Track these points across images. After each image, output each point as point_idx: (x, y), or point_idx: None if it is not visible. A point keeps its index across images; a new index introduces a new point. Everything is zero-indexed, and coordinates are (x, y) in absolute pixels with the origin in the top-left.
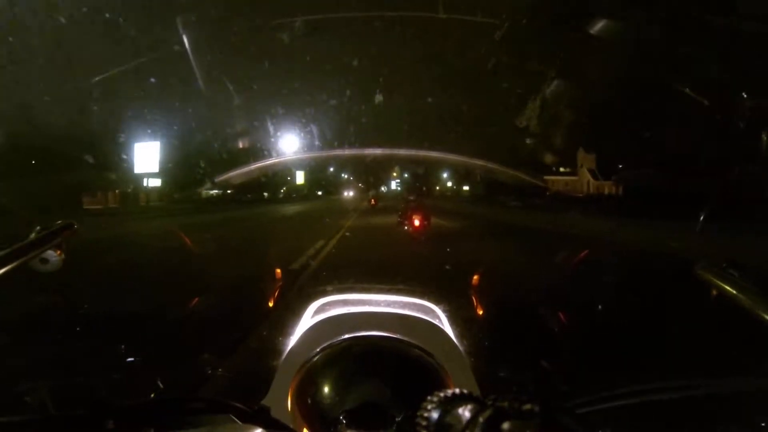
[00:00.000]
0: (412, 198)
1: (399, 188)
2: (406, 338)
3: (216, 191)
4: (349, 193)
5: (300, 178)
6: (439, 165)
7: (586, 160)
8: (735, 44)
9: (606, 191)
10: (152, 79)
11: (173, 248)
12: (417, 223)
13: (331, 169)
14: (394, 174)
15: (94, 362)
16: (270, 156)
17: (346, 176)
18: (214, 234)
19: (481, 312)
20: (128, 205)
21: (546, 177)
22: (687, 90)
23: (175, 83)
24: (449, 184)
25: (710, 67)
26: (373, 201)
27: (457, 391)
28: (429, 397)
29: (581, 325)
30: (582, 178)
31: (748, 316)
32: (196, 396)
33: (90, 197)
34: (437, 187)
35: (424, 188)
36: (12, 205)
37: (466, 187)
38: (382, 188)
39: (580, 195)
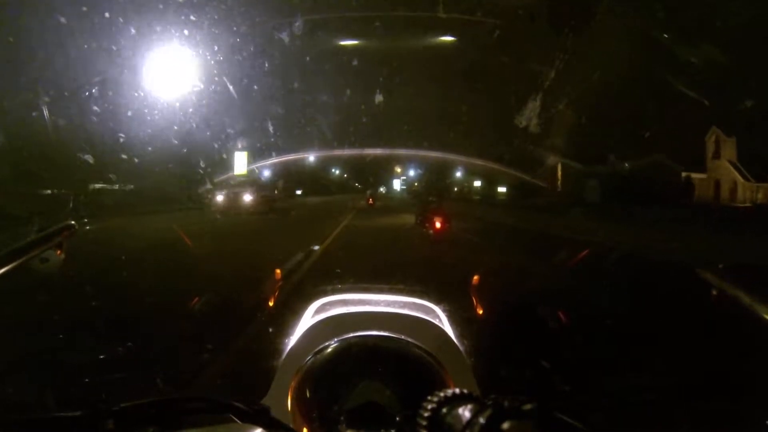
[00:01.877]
0: (432, 199)
1: (402, 188)
2: (406, 338)
3: (111, 186)
4: (328, 197)
5: (241, 164)
6: (451, 164)
7: (725, 147)
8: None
9: (760, 197)
10: (152, 79)
11: None
12: (438, 225)
13: (311, 158)
14: (398, 170)
15: (94, 362)
16: (270, 156)
17: (337, 171)
18: None
19: (481, 312)
20: None
21: (691, 174)
22: (686, 90)
23: (173, 83)
24: (477, 183)
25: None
26: (370, 200)
27: (457, 391)
28: (429, 397)
29: (581, 325)
30: (719, 174)
31: (748, 316)
32: (196, 396)
33: None
34: (455, 188)
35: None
36: None
37: (501, 189)
38: (381, 188)
39: (748, 205)
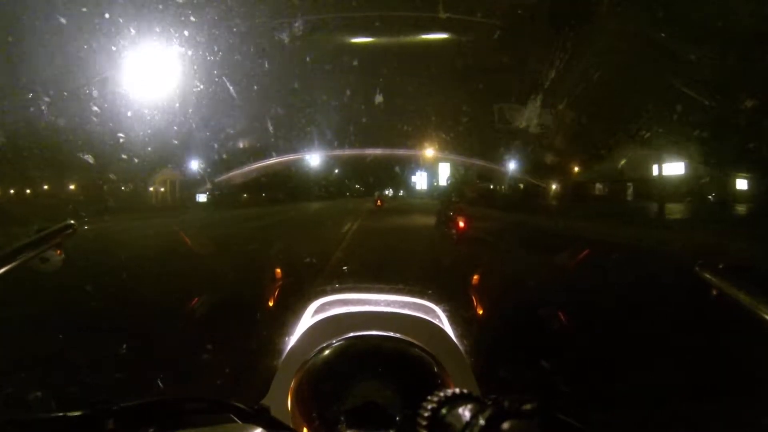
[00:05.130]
0: (456, 200)
1: (438, 185)
2: (406, 338)
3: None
4: None
5: None
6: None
7: None
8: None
9: None
10: (152, 80)
11: None
12: (462, 224)
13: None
14: (399, 172)
15: (95, 362)
16: (270, 156)
17: (322, 168)
18: None
19: (481, 312)
20: None
21: None
22: (687, 90)
23: (175, 83)
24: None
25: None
26: (378, 202)
27: (457, 391)
28: (429, 397)
29: (581, 325)
30: None
31: (748, 316)
32: (196, 396)
33: None
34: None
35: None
36: None
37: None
38: (387, 191)
39: None
